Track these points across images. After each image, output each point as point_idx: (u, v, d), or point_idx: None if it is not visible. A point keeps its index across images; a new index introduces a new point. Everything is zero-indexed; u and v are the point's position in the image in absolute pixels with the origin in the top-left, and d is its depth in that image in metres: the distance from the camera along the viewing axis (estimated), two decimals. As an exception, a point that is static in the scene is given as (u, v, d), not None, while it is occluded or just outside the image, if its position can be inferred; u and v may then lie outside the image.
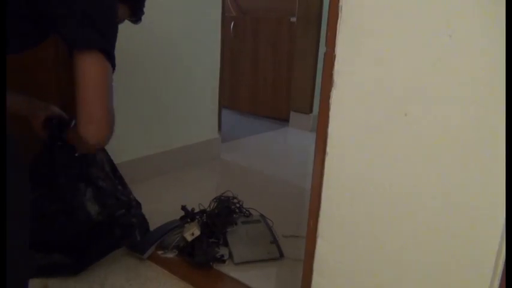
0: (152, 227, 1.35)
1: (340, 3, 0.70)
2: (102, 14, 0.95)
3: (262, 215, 1.46)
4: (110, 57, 0.95)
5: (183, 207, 1.38)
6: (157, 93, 1.87)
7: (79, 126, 0.93)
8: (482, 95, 0.60)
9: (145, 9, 1.16)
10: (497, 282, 0.63)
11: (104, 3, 0.96)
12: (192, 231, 1.23)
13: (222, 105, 2.23)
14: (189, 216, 1.36)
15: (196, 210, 1.40)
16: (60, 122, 1.14)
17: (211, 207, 1.42)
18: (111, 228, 1.19)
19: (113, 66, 0.96)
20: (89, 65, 0.92)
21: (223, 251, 1.28)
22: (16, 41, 0.91)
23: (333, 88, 0.74)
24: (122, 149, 1.65)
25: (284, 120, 3.06)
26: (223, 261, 1.25)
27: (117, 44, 1.01)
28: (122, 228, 1.21)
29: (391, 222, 0.73)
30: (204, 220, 1.34)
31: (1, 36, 0.86)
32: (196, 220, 1.34)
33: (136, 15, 1.13)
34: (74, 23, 0.91)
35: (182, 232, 1.26)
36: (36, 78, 1.40)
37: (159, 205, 1.62)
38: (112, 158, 1.25)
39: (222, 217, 1.35)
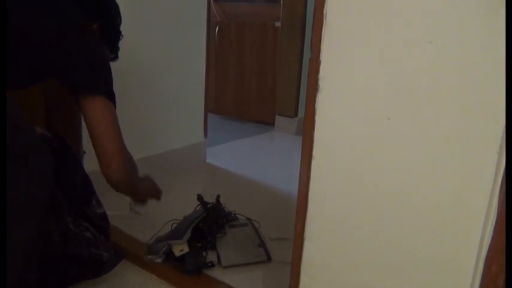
0: (141, 232, 1.34)
1: (325, 11, 0.72)
2: (101, 61, 1.06)
3: (248, 219, 1.47)
4: (112, 98, 1.06)
5: (199, 197, 1.41)
6: (143, 98, 1.86)
7: (101, 168, 1.06)
8: (463, 98, 0.63)
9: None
10: (477, 283, 0.66)
11: (99, 51, 1.07)
12: (181, 248, 1.23)
13: (207, 110, 2.24)
14: (203, 205, 1.38)
15: (185, 213, 1.39)
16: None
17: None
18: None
19: (114, 105, 1.07)
20: (97, 111, 1.03)
21: (211, 254, 1.28)
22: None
23: (318, 93, 0.76)
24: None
25: (269, 124, 3.08)
26: (212, 266, 1.25)
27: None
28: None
29: (377, 223, 0.74)
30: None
31: (1, 35, 0.87)
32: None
33: (113, 52, 1.22)
34: (77, 72, 1.01)
35: (171, 248, 1.25)
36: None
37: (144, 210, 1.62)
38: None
39: (218, 223, 1.36)
